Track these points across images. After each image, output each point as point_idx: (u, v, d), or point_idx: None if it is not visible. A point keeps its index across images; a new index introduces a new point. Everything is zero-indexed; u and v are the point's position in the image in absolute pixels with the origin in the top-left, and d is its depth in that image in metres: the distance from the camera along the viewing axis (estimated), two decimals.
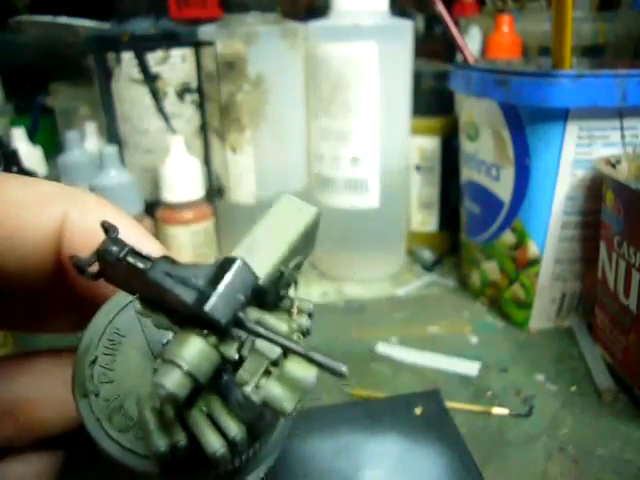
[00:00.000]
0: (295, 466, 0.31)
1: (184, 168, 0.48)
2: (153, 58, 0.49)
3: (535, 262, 0.43)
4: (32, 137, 0.62)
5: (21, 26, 0.62)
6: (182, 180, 0.47)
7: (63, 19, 0.57)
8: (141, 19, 0.53)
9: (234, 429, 0.12)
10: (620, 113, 0.38)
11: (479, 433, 0.34)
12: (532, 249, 0.42)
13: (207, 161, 0.53)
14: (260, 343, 0.12)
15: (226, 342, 0.12)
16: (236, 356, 0.12)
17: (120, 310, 0.15)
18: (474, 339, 0.44)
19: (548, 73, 0.37)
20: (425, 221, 0.58)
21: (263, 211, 0.14)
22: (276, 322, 0.13)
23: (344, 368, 0.12)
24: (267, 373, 0.12)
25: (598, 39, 0.56)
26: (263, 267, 0.13)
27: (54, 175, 0.55)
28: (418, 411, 0.35)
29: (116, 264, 0.12)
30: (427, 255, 0.56)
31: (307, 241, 0.15)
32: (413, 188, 0.57)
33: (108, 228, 0.13)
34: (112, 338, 0.15)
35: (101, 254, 0.13)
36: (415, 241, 0.58)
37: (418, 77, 0.53)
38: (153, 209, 0.49)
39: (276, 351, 0.12)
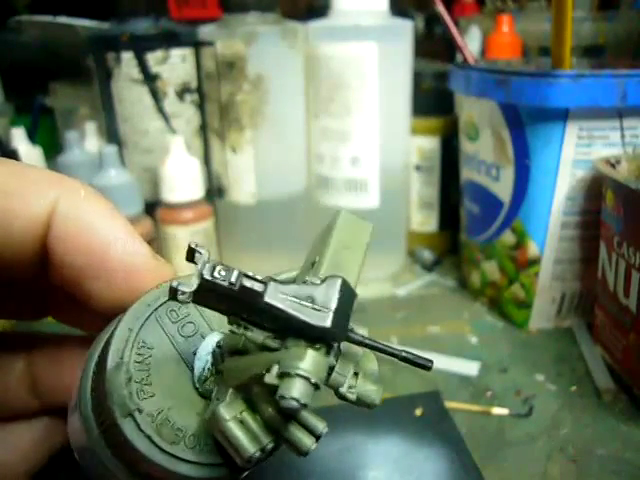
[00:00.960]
0: (295, 466, 0.31)
1: (184, 168, 0.48)
2: (153, 58, 0.49)
3: (535, 262, 0.43)
4: (32, 137, 0.62)
5: (21, 26, 0.62)
6: (182, 180, 0.47)
7: (63, 19, 0.57)
8: (141, 19, 0.53)
9: (321, 425, 0.13)
10: (620, 113, 0.38)
11: (479, 433, 0.34)
12: (532, 249, 0.42)
13: (207, 161, 0.53)
14: (346, 348, 0.14)
15: (327, 355, 0.13)
16: (335, 362, 0.14)
17: (143, 323, 0.15)
18: (474, 339, 0.44)
19: (548, 73, 0.37)
20: (425, 221, 0.58)
21: (325, 228, 0.15)
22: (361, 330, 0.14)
23: (430, 363, 0.14)
24: (355, 374, 0.14)
25: (598, 39, 0.56)
26: (352, 283, 0.14)
27: None
28: (418, 412, 0.35)
29: (218, 289, 0.13)
30: (427, 255, 0.56)
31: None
32: (413, 188, 0.57)
33: (196, 249, 0.13)
34: (140, 352, 0.15)
35: (208, 279, 0.13)
36: (415, 241, 0.58)
37: (418, 77, 0.53)
38: (153, 209, 0.49)
39: (359, 354, 0.14)
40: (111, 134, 0.52)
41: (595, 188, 0.40)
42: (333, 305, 0.13)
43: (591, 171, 0.39)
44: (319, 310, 0.13)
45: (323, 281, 0.13)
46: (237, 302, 0.13)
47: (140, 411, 0.14)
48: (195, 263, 0.13)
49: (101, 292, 0.16)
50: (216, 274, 0.13)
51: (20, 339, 0.20)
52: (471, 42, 0.62)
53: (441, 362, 0.40)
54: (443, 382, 0.38)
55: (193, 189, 0.48)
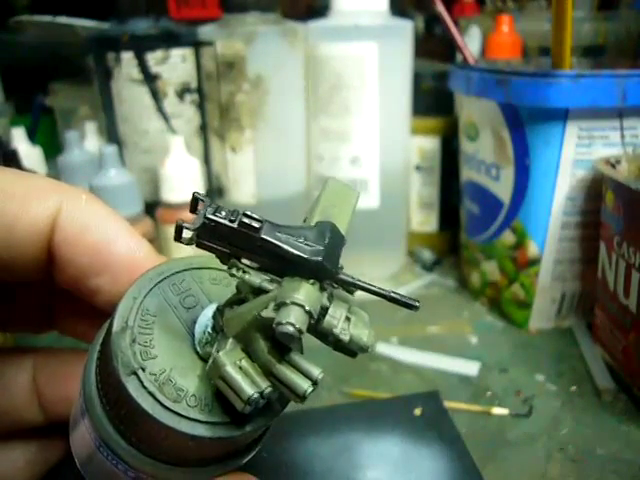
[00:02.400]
0: (295, 466, 0.31)
1: (184, 168, 0.48)
2: (153, 58, 0.49)
3: (535, 262, 0.43)
4: (32, 137, 0.62)
5: (21, 26, 0.62)
6: (182, 180, 0.47)
7: (63, 19, 0.57)
8: (141, 19, 0.53)
9: (316, 371, 0.14)
10: (620, 113, 0.38)
11: (479, 433, 0.34)
12: (532, 249, 0.42)
13: (207, 161, 0.53)
14: (338, 294, 0.15)
15: (321, 292, 0.14)
16: (328, 303, 0.15)
17: (147, 293, 0.16)
18: (474, 339, 0.44)
19: (548, 73, 0.37)
20: (425, 221, 0.58)
21: (315, 193, 0.16)
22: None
23: (417, 303, 0.15)
24: (347, 318, 0.15)
25: (598, 39, 0.56)
26: (341, 230, 0.15)
27: (54, 175, 0.55)
28: (418, 412, 0.35)
29: (220, 227, 0.14)
30: (427, 255, 0.56)
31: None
32: (413, 188, 0.57)
33: (199, 197, 0.15)
34: (144, 318, 0.16)
35: (210, 217, 0.14)
36: (415, 241, 0.58)
37: (418, 77, 0.53)
38: (153, 209, 0.49)
39: (352, 298, 0.15)
40: (111, 134, 0.52)
41: (595, 188, 0.39)
42: (325, 242, 0.14)
43: (591, 171, 0.39)
44: (312, 246, 0.14)
45: (314, 226, 0.15)
46: (236, 238, 0.14)
47: (144, 370, 0.15)
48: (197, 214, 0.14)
49: (106, 287, 0.17)
50: (218, 213, 0.14)
51: (25, 353, 0.20)
52: (471, 42, 0.62)
53: (441, 362, 0.41)
54: (443, 382, 0.38)
55: (193, 189, 0.48)
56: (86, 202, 0.17)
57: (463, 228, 0.52)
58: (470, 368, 0.40)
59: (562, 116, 0.38)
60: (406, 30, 0.50)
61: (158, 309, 0.16)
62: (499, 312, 0.47)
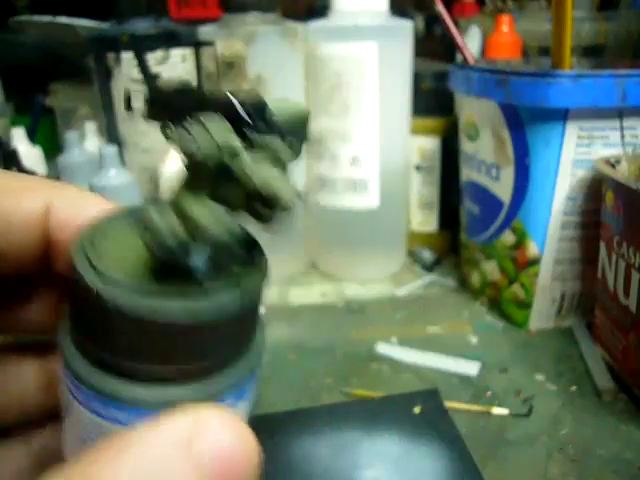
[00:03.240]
0: (295, 466, 0.31)
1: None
2: (153, 58, 0.49)
3: (535, 262, 0.43)
4: (32, 137, 0.62)
5: (21, 26, 0.62)
6: None
7: (63, 19, 0.57)
8: (141, 19, 0.53)
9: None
10: (620, 113, 0.38)
11: (479, 433, 0.34)
12: (532, 249, 0.42)
13: None
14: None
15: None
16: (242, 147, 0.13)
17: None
18: (474, 339, 0.44)
19: (548, 73, 0.37)
20: (425, 221, 0.58)
21: None
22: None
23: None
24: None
25: (598, 39, 0.56)
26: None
27: (54, 175, 0.55)
28: (417, 410, 0.35)
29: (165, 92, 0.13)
30: (427, 255, 0.56)
31: (301, 128, 0.16)
32: (413, 188, 0.57)
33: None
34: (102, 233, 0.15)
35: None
36: (415, 241, 0.58)
37: (418, 77, 0.53)
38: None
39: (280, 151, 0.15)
40: (111, 134, 0.52)
41: (595, 188, 0.39)
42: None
43: (591, 171, 0.39)
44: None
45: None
46: (182, 101, 0.13)
47: (92, 244, 0.14)
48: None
49: None
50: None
51: (32, 344, 0.20)
52: (471, 42, 0.62)
53: (441, 362, 0.41)
54: (443, 382, 0.38)
55: None
56: (77, 190, 0.18)
57: (463, 228, 0.52)
58: (470, 368, 0.40)
59: (562, 116, 0.38)
60: (406, 30, 0.50)
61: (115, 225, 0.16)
62: (499, 312, 0.47)
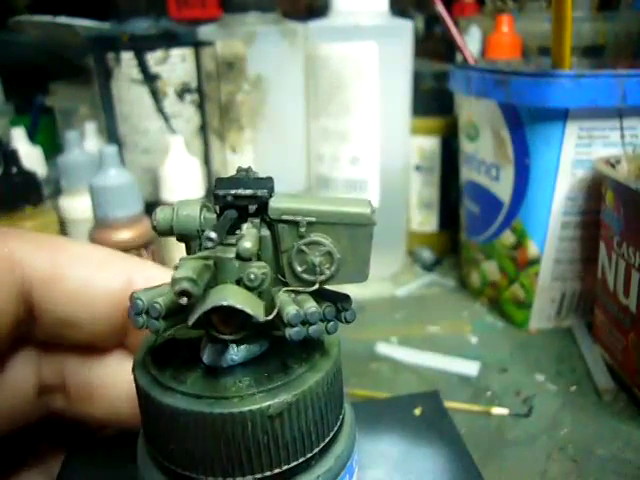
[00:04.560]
0: None
1: (184, 168, 0.48)
2: (153, 58, 0.49)
3: (535, 262, 0.43)
4: (32, 137, 0.62)
5: (21, 26, 0.62)
6: (182, 180, 0.47)
7: (63, 19, 0.57)
8: (141, 19, 0.53)
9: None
10: (620, 113, 0.38)
11: (479, 433, 0.34)
12: (532, 249, 0.42)
13: (207, 161, 0.53)
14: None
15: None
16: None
17: None
18: (474, 339, 0.44)
19: (548, 73, 0.37)
20: (425, 221, 0.58)
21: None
22: None
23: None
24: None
25: (598, 39, 0.56)
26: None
27: (54, 175, 0.55)
28: (417, 412, 0.35)
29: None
30: (427, 255, 0.56)
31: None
32: (413, 188, 0.57)
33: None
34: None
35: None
36: (415, 241, 0.58)
37: (418, 77, 0.53)
38: (153, 209, 0.49)
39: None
40: (111, 134, 0.52)
41: (595, 188, 0.39)
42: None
43: (591, 171, 0.39)
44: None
45: None
46: None
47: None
48: None
49: None
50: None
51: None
52: (471, 42, 0.62)
53: (441, 362, 0.40)
54: (443, 382, 0.38)
55: (193, 189, 0.48)
56: (156, 266, 0.18)
57: (463, 228, 0.52)
58: (470, 368, 0.40)
59: (562, 116, 0.38)
60: (406, 30, 0.50)
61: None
62: (499, 312, 0.47)
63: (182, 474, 0.13)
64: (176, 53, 0.50)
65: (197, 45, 0.50)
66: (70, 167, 0.51)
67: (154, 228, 0.14)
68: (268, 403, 0.13)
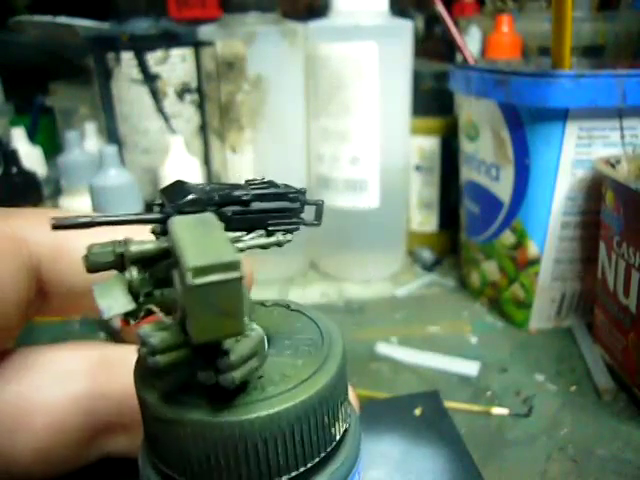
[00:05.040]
0: None
1: (184, 168, 0.48)
2: (153, 58, 0.49)
3: (535, 262, 0.43)
4: (32, 137, 0.62)
5: (21, 26, 0.62)
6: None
7: (63, 19, 0.57)
8: (141, 19, 0.53)
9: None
10: (620, 113, 0.38)
11: (479, 433, 0.34)
12: (532, 249, 0.42)
13: (207, 161, 0.53)
14: None
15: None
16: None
17: None
18: (474, 339, 0.44)
19: (548, 73, 0.37)
20: (425, 221, 0.58)
21: None
22: None
23: None
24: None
25: (598, 39, 0.56)
26: None
27: (54, 175, 0.55)
28: (418, 412, 0.35)
29: None
30: (427, 255, 0.56)
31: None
32: (413, 188, 0.57)
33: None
34: None
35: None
36: (415, 241, 0.58)
37: (418, 77, 0.53)
38: (153, 209, 0.49)
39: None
40: (111, 134, 0.52)
41: (595, 188, 0.39)
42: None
43: (591, 171, 0.39)
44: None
45: None
46: None
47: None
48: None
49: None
50: None
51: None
52: (471, 42, 0.62)
53: (441, 362, 0.41)
54: (443, 382, 0.38)
55: None
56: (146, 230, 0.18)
57: (463, 228, 0.52)
58: (470, 368, 0.40)
59: (562, 116, 0.38)
60: (406, 30, 0.50)
61: None
62: (499, 312, 0.47)
63: None
64: (176, 53, 0.50)
65: (197, 45, 0.50)
66: (70, 167, 0.51)
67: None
68: (285, 406, 0.13)
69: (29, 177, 0.46)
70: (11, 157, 0.45)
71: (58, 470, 0.17)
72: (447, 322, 0.46)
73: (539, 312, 0.44)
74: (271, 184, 0.15)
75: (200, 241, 0.12)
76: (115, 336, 0.43)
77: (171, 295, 0.13)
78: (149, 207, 0.14)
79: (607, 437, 0.33)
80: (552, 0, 0.36)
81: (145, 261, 0.13)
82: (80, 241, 0.16)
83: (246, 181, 0.15)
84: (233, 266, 0.11)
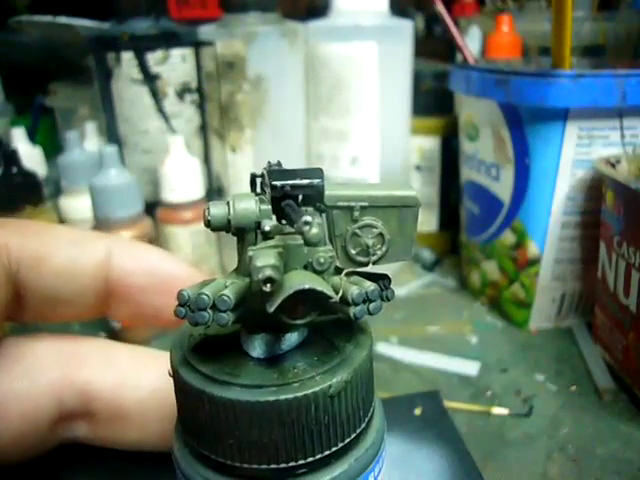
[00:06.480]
0: None
1: (184, 168, 0.48)
2: (153, 58, 0.49)
3: (535, 262, 0.43)
4: (32, 137, 0.62)
5: (21, 26, 0.62)
6: (182, 180, 0.47)
7: (63, 19, 0.57)
8: (141, 19, 0.53)
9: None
10: (620, 113, 0.38)
11: (479, 433, 0.34)
12: (532, 249, 0.42)
13: (207, 161, 0.53)
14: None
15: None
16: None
17: None
18: (474, 339, 0.44)
19: (548, 73, 0.37)
20: (425, 221, 0.58)
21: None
22: None
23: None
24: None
25: (598, 39, 0.56)
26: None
27: (54, 175, 0.55)
28: (418, 412, 0.35)
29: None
30: (427, 255, 0.56)
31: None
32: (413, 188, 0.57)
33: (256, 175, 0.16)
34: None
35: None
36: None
37: (418, 77, 0.53)
38: (153, 209, 0.49)
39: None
40: (111, 134, 0.52)
41: (595, 188, 0.39)
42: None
43: (591, 171, 0.39)
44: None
45: None
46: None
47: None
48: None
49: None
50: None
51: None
52: (471, 42, 0.62)
53: (441, 362, 0.40)
54: (443, 382, 0.38)
55: (193, 189, 0.48)
56: (132, 241, 0.20)
57: (463, 228, 0.52)
58: (470, 368, 0.40)
59: (562, 116, 0.38)
60: (406, 30, 0.50)
61: None
62: (499, 312, 0.47)
63: (243, 467, 0.13)
64: (176, 53, 0.50)
65: (197, 45, 0.50)
66: (70, 167, 0.51)
67: (207, 223, 0.14)
68: (328, 383, 0.13)
69: (29, 177, 0.46)
70: (11, 157, 0.45)
71: (29, 454, 0.18)
72: (447, 322, 0.46)
73: (539, 312, 0.44)
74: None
75: None
76: (115, 336, 0.43)
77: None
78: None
79: (607, 437, 0.33)
80: (552, 0, 0.36)
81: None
82: (60, 248, 0.18)
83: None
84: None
